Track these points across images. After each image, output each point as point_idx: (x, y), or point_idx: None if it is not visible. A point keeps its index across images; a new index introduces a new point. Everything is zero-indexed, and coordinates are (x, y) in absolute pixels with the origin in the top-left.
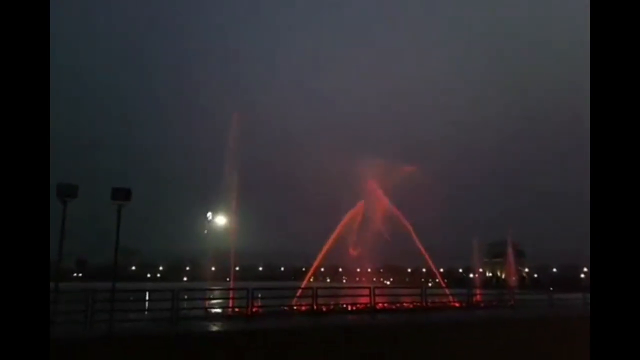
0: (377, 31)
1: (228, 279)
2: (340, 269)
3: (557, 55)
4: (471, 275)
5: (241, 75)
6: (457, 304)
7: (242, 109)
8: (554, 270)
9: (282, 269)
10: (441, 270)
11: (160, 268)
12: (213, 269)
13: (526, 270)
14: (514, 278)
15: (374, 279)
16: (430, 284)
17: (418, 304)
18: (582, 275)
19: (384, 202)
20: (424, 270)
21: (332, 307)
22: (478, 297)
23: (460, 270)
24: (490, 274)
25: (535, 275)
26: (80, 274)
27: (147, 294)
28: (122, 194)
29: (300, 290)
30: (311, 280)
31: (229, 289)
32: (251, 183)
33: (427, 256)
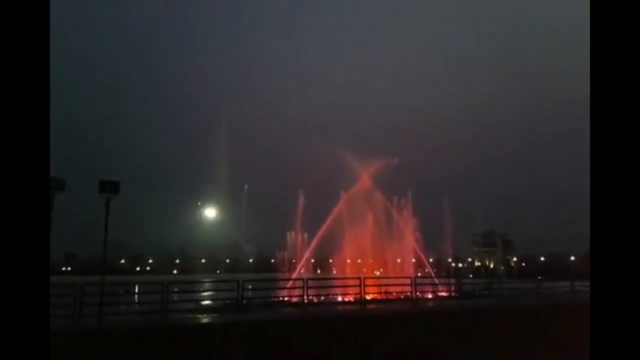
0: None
1: (218, 271)
2: (331, 260)
3: (557, 41)
4: (460, 265)
5: (236, 64)
6: (446, 294)
7: (235, 100)
8: (542, 259)
9: (273, 260)
10: (430, 260)
11: (150, 261)
12: (203, 261)
13: (514, 259)
14: (502, 267)
15: (364, 270)
16: (419, 274)
17: (408, 294)
18: (570, 264)
19: (374, 192)
20: (413, 260)
21: (322, 298)
22: (468, 286)
23: (450, 260)
24: (479, 264)
25: (524, 264)
26: (69, 268)
27: (136, 287)
28: (110, 187)
29: (290, 282)
30: (302, 271)
31: (220, 281)
32: (242, 175)
33: (416, 246)
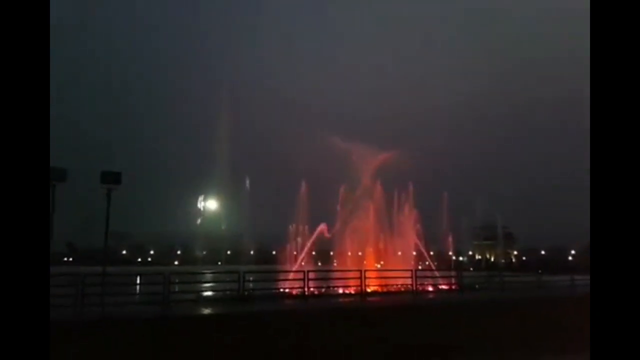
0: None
1: (219, 263)
2: (332, 253)
3: (557, 37)
4: (461, 258)
5: (236, 57)
6: (446, 287)
7: (237, 91)
8: (542, 252)
9: (274, 252)
10: (431, 253)
11: (151, 252)
12: (204, 252)
13: (515, 252)
14: (503, 260)
15: (365, 262)
16: (420, 267)
17: (409, 286)
18: (570, 258)
19: (375, 184)
20: (414, 253)
21: (323, 290)
22: (468, 279)
23: (450, 253)
24: (480, 257)
25: (524, 258)
26: (70, 258)
27: (138, 277)
28: (111, 178)
29: (291, 274)
30: (302, 263)
31: (221, 273)
32: (244, 166)
33: (417, 239)
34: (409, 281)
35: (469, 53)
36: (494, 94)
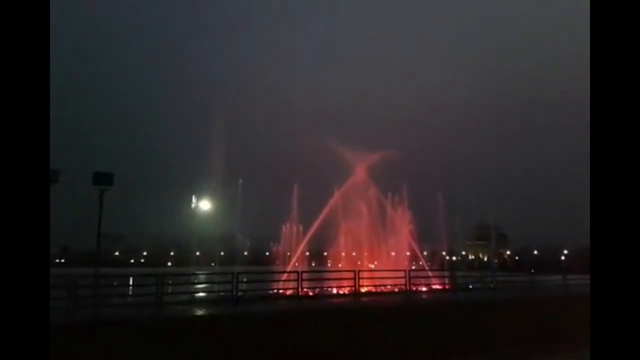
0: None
1: (213, 264)
2: (325, 253)
3: (556, 35)
4: (454, 258)
5: (236, 57)
6: (440, 286)
7: (230, 92)
8: (535, 252)
9: (267, 253)
10: (425, 253)
11: (144, 253)
12: (198, 253)
13: (508, 252)
14: (496, 260)
15: (359, 263)
16: (414, 267)
17: (402, 286)
18: (562, 258)
19: (369, 185)
20: (407, 253)
21: (317, 291)
22: (461, 279)
23: (444, 253)
24: (473, 257)
25: (517, 258)
26: (63, 260)
27: (131, 279)
28: (104, 179)
29: (285, 275)
30: (296, 264)
31: (214, 274)
32: (240, 166)
33: (410, 239)
34: (402, 281)
35: (468, 53)
36: (494, 94)
